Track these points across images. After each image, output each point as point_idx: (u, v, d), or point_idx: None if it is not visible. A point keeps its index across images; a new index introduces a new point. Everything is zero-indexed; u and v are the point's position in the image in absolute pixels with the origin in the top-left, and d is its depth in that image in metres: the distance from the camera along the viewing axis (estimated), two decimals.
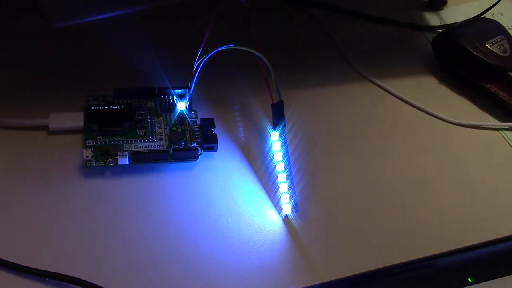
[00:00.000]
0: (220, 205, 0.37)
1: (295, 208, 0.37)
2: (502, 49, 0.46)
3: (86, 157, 0.36)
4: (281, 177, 0.38)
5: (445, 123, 0.45)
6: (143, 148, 0.38)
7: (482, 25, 0.49)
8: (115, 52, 0.43)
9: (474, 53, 0.46)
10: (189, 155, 0.38)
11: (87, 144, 0.37)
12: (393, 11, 0.53)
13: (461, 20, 0.50)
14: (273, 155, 0.39)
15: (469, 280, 0.37)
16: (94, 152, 0.37)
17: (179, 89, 0.40)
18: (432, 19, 0.54)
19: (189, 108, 0.40)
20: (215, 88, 0.43)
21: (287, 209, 0.37)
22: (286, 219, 0.37)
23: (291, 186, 0.38)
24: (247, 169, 0.39)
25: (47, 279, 0.32)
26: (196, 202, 0.37)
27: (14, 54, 0.43)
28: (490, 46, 0.46)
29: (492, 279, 0.37)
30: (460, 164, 0.43)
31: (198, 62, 0.37)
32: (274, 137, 0.39)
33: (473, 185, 0.42)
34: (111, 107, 0.39)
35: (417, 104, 0.46)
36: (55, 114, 0.38)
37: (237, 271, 0.35)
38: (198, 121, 0.40)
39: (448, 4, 0.55)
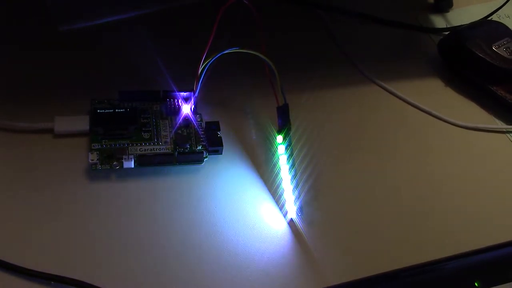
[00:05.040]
0: (225, 208, 0.37)
1: (300, 211, 0.37)
2: (508, 52, 0.46)
3: (92, 160, 0.36)
4: (286, 180, 0.38)
5: (451, 125, 0.45)
6: (148, 151, 0.38)
7: (489, 28, 0.49)
8: (120, 54, 0.43)
9: (480, 55, 0.46)
10: (194, 158, 0.38)
11: (93, 147, 0.37)
12: (398, 13, 0.52)
13: (467, 23, 0.50)
14: (278, 158, 0.39)
15: (476, 284, 0.36)
16: (100, 155, 0.37)
17: (184, 92, 0.40)
18: (438, 21, 0.53)
19: (194, 111, 0.40)
20: (220, 91, 0.43)
21: (292, 212, 0.37)
22: (291, 222, 0.37)
23: (296, 189, 0.38)
24: (252, 172, 0.39)
25: (52, 282, 0.32)
26: (201, 205, 0.37)
27: (20, 57, 0.43)
28: (496, 48, 0.46)
29: (499, 284, 0.36)
30: (466, 166, 0.43)
31: (203, 65, 0.37)
32: (279, 140, 0.39)
33: (479, 188, 0.42)
34: (116, 110, 0.39)
35: (423, 106, 0.46)
36: (60, 117, 0.39)
37: (242, 274, 0.35)
38: (203, 124, 0.40)
39: (454, 6, 0.55)
